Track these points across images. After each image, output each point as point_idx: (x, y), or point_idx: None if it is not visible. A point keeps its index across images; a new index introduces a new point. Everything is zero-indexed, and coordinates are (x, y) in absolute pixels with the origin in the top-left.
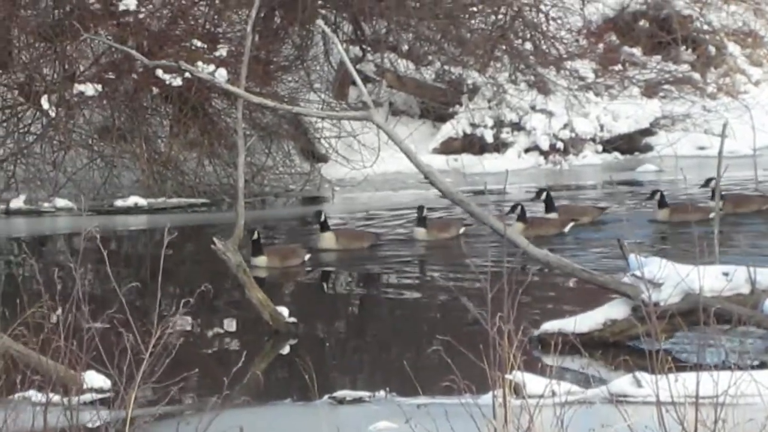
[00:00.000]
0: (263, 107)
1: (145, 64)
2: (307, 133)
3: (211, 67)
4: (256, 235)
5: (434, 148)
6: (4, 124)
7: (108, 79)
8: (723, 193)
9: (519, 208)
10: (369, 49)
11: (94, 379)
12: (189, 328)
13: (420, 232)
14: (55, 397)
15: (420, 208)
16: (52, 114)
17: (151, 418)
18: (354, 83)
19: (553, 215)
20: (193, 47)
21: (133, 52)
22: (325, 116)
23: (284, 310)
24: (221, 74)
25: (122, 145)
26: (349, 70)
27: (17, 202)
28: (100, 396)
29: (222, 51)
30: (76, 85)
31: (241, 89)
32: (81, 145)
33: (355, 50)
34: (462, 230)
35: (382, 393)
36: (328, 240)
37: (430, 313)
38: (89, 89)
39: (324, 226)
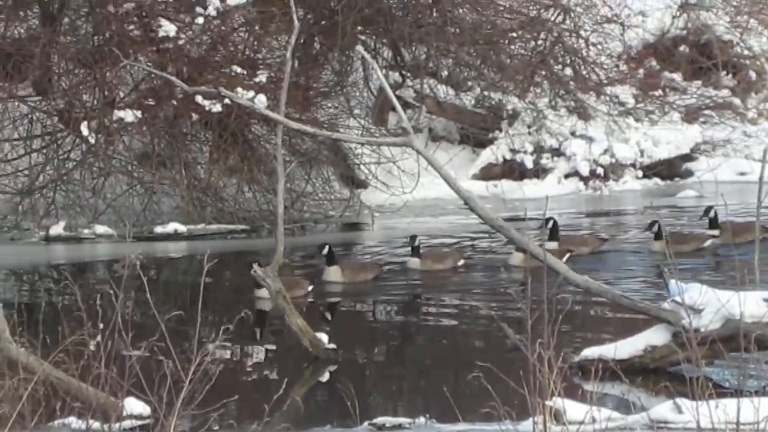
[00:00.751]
0: (303, 133)
1: (184, 91)
2: (347, 159)
3: (251, 93)
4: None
5: (474, 174)
6: (44, 151)
7: (147, 106)
8: (722, 221)
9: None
10: (408, 74)
11: (134, 405)
12: (228, 356)
13: (414, 263)
14: (95, 424)
15: (412, 238)
16: (92, 140)
17: None
18: (393, 109)
19: (553, 245)
20: (232, 73)
21: (173, 78)
22: (364, 142)
23: (324, 337)
24: (261, 100)
25: (162, 171)
26: (389, 96)
27: (57, 229)
28: (139, 423)
29: (262, 77)
30: (115, 111)
31: (281, 115)
32: (121, 172)
33: (395, 76)
34: (461, 262)
35: (422, 419)
36: (333, 273)
37: (470, 340)
38: (129, 115)
39: (330, 260)
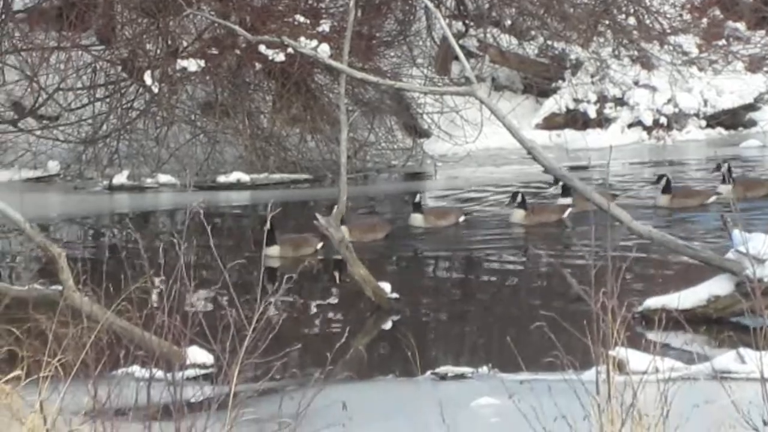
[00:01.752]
0: (366, 82)
1: (248, 40)
2: (410, 108)
3: (314, 43)
4: (269, 225)
5: (537, 124)
6: (108, 100)
7: (211, 55)
8: (734, 176)
9: (519, 196)
10: (472, 24)
11: (197, 354)
12: (291, 305)
13: (417, 219)
14: (159, 373)
15: (414, 194)
16: (155, 90)
17: (254, 393)
18: (457, 58)
19: (567, 200)
20: (295, 22)
21: (236, 27)
22: (427, 91)
23: (387, 286)
24: (324, 49)
25: (225, 120)
26: (452, 45)
27: (120, 178)
28: (203, 371)
29: (325, 26)
30: (179, 60)
31: (344, 64)
32: (184, 121)
33: (458, 25)
34: (462, 218)
35: (484, 369)
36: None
37: (533, 291)
38: (192, 65)
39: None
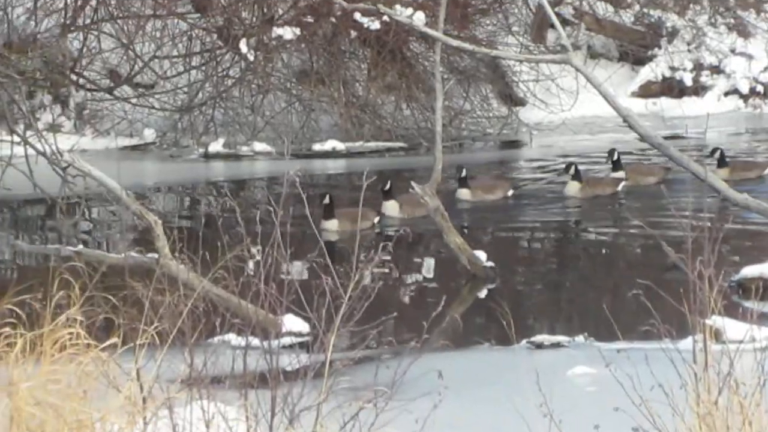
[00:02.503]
0: (461, 50)
1: (343, 8)
2: (505, 76)
3: (409, 11)
4: (327, 200)
5: (633, 92)
6: (203, 68)
7: (306, 23)
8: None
9: (573, 167)
10: None
11: (293, 323)
12: (386, 273)
13: (463, 193)
14: (255, 341)
15: (459, 168)
16: (251, 58)
17: (350, 361)
18: (552, 26)
19: (620, 174)
20: None
21: None
22: (523, 59)
23: (482, 255)
24: (419, 17)
25: (320, 88)
26: (548, 13)
27: (216, 146)
28: (299, 340)
29: None
30: (274, 28)
31: (440, 32)
32: (279, 89)
33: None
34: (510, 192)
35: (580, 338)
36: (391, 208)
37: (628, 259)
38: (287, 33)
39: (387, 194)
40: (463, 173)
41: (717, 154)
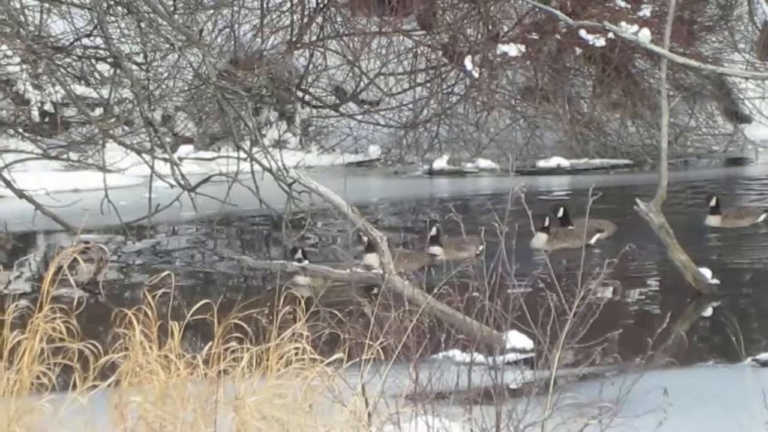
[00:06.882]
0: (687, 68)
1: (568, 25)
2: (731, 93)
3: (635, 28)
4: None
5: None
6: (428, 85)
7: (531, 40)
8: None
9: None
10: None
11: (517, 339)
12: (611, 290)
13: (713, 220)
14: (479, 357)
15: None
16: (476, 75)
17: (574, 378)
18: None
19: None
20: (616, 7)
21: (557, 12)
22: (749, 76)
23: (707, 272)
24: (645, 34)
25: (545, 105)
26: None
27: (440, 163)
28: (523, 356)
29: (645, 11)
30: (499, 45)
31: (665, 49)
32: (504, 106)
33: None
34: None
35: None
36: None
37: None
38: (512, 50)
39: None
40: (713, 202)
41: (713, 201)
